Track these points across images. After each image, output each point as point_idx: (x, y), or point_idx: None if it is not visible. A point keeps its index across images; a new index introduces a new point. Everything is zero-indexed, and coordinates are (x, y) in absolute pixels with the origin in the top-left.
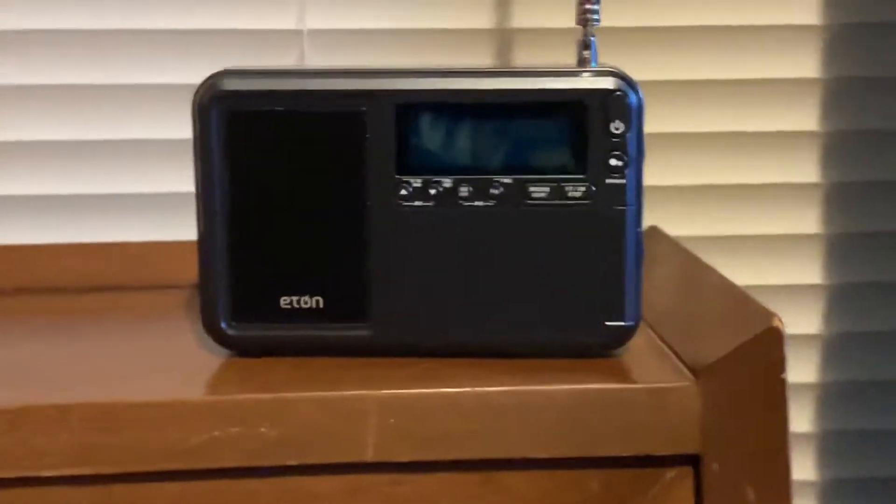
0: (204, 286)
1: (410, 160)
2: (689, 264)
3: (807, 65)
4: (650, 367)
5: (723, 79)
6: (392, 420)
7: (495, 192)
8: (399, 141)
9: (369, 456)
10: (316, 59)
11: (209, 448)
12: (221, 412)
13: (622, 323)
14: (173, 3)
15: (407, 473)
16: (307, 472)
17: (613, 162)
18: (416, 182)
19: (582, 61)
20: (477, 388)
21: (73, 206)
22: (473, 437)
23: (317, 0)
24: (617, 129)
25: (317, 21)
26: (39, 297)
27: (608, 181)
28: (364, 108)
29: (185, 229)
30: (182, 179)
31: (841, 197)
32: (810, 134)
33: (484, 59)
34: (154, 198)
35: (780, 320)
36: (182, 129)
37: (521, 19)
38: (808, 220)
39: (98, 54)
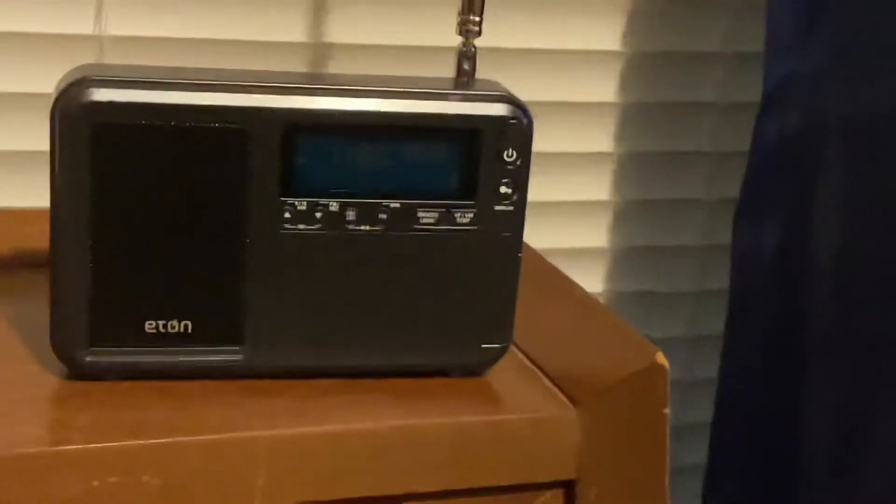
0: (57, 308)
1: (295, 182)
2: (556, 282)
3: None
4: (523, 392)
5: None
6: (280, 463)
7: (383, 216)
8: (284, 161)
9: (258, 502)
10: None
11: (87, 501)
12: (99, 461)
13: (496, 345)
14: None
15: None
16: None
17: (503, 189)
18: (301, 205)
19: (462, 73)
20: (361, 426)
21: None
22: (361, 475)
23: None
24: (509, 157)
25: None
26: None
27: (497, 208)
28: (247, 127)
29: None
30: None
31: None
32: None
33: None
34: None
35: (663, 356)
36: None
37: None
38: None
39: None
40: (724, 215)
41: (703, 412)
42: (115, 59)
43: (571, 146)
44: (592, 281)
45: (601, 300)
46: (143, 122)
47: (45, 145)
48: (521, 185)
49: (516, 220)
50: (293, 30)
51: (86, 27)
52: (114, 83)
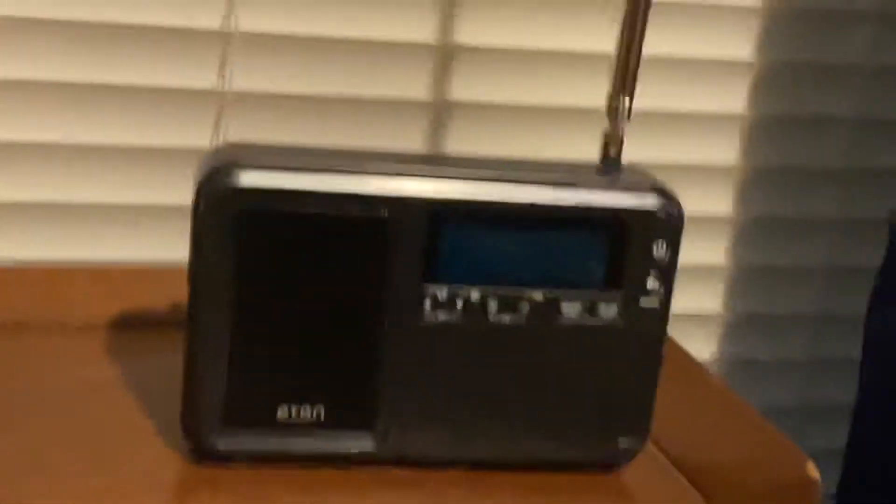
0: (190, 392)
1: (436, 270)
2: (694, 374)
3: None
4: (658, 491)
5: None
6: None
7: (524, 307)
8: (426, 250)
9: None
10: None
11: None
12: None
13: (633, 441)
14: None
15: None
16: None
17: (651, 284)
18: (442, 294)
19: (607, 159)
20: None
21: None
22: None
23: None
24: (658, 249)
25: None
26: None
27: (642, 303)
28: (392, 214)
29: (100, 247)
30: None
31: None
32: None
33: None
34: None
35: (813, 468)
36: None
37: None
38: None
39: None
40: (844, 282)
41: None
42: (238, 114)
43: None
44: (702, 346)
45: (713, 367)
46: (288, 209)
47: (169, 199)
48: (668, 280)
49: (661, 317)
50: (418, 86)
51: (208, 82)
52: (260, 168)
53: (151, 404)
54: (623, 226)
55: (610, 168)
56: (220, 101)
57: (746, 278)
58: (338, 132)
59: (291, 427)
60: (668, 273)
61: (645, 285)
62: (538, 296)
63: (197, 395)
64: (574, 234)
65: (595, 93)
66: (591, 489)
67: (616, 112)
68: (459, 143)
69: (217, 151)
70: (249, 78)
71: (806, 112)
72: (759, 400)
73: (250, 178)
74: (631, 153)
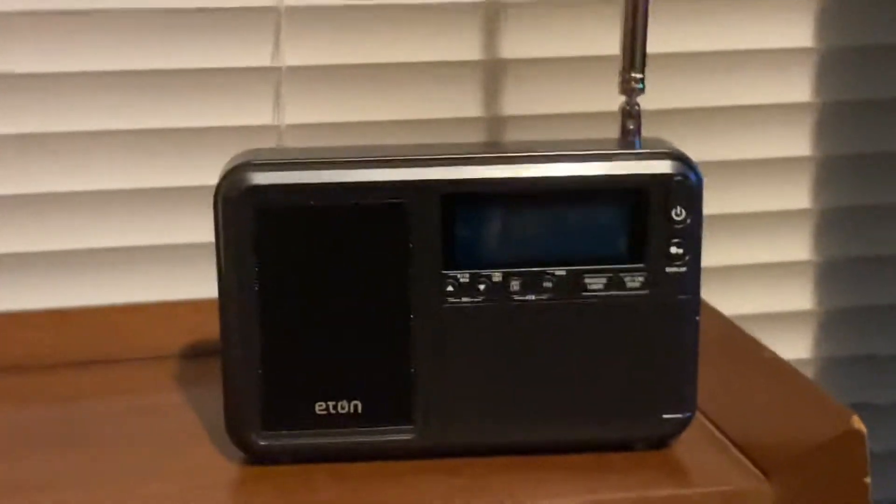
0: (230, 395)
1: (456, 254)
2: (743, 345)
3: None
4: (711, 464)
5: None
6: None
7: (548, 284)
8: (444, 234)
9: None
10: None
11: None
12: None
13: (679, 415)
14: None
15: None
16: None
17: (674, 250)
18: (464, 277)
19: (626, 132)
20: (543, 502)
21: (31, 265)
22: None
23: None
24: (678, 215)
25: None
26: None
27: (668, 270)
28: (406, 200)
29: (160, 288)
30: (154, 229)
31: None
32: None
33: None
34: (119, 252)
35: (859, 420)
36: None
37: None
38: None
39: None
40: None
41: None
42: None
43: (767, 204)
44: (797, 348)
45: (811, 368)
46: (303, 202)
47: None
48: (693, 245)
49: (691, 282)
50: (469, 105)
51: (265, 118)
52: (273, 166)
53: (207, 421)
54: (641, 193)
55: (627, 141)
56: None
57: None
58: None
59: (331, 422)
60: (692, 239)
61: (669, 252)
62: (561, 272)
63: (236, 397)
64: (592, 206)
65: None
66: (641, 466)
67: (630, 86)
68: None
69: (237, 155)
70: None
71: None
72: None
73: (264, 177)
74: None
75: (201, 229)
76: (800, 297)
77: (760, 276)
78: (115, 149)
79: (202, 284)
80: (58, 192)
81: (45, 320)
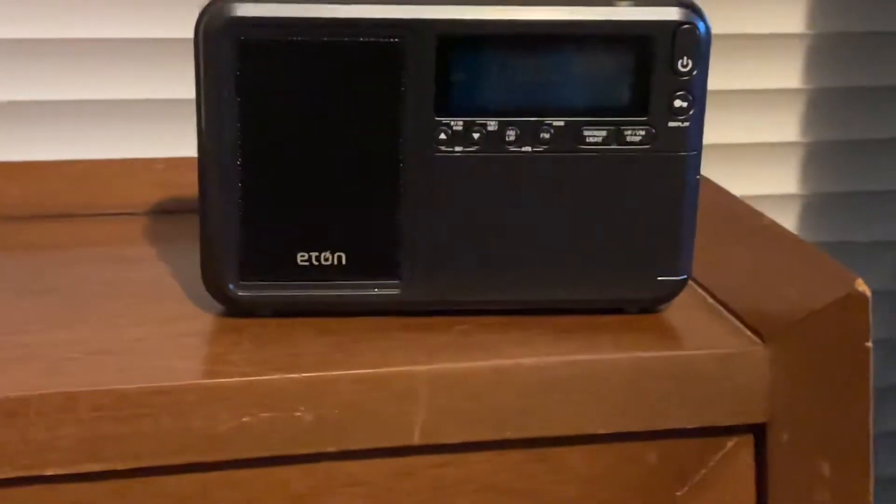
0: (207, 241)
1: (451, 99)
2: (740, 212)
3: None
4: (706, 328)
5: None
6: (441, 399)
7: (545, 135)
8: (438, 78)
9: (416, 439)
10: None
11: (239, 436)
12: (252, 395)
13: (674, 277)
14: None
15: (456, 454)
16: (346, 458)
17: (678, 103)
18: (457, 125)
19: None
20: (531, 360)
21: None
22: (528, 414)
23: None
24: (684, 66)
25: None
26: None
27: (671, 124)
28: (400, 40)
29: (137, 144)
30: (131, 82)
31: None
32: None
33: None
34: (100, 105)
35: (864, 284)
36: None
37: None
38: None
39: None
40: None
41: None
42: None
43: (758, 136)
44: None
45: None
46: (290, 38)
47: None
48: (698, 98)
49: (693, 138)
50: None
51: None
52: None
53: (183, 273)
54: (646, 41)
55: None
56: None
57: None
58: None
59: (313, 274)
60: (697, 92)
61: (672, 105)
62: (559, 123)
63: (213, 244)
64: (594, 55)
65: None
66: (633, 329)
67: None
68: None
69: None
70: None
71: None
72: None
73: (248, 8)
74: None
75: (179, 84)
76: None
77: None
78: None
79: (180, 143)
80: (31, 39)
81: (13, 171)
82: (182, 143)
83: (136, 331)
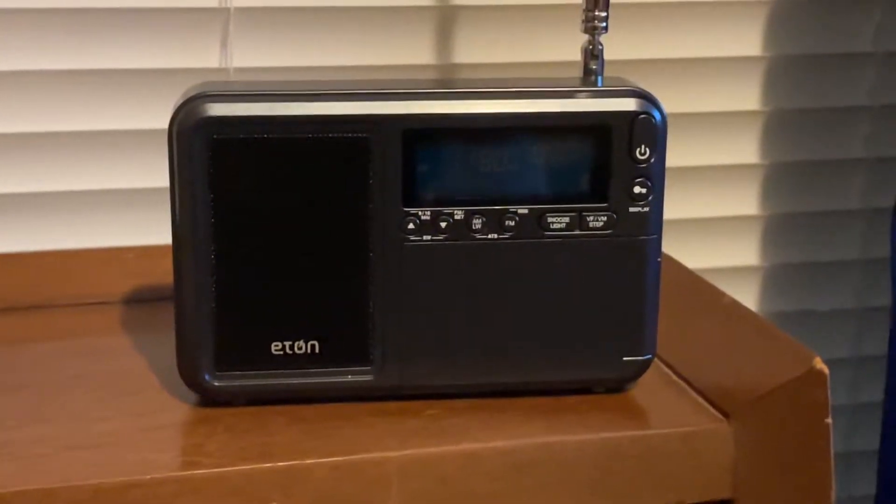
0: (183, 334)
1: (418, 191)
2: (701, 290)
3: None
4: (671, 406)
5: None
6: (412, 484)
7: (510, 223)
8: (405, 170)
9: None
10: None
11: None
12: (226, 486)
13: (640, 357)
14: None
15: None
16: None
17: (637, 189)
18: (425, 214)
19: (588, 72)
20: (500, 443)
21: None
22: (499, 497)
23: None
24: (642, 154)
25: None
26: None
27: (631, 209)
28: (367, 135)
29: (108, 234)
30: (101, 174)
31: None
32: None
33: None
34: (66, 196)
35: (821, 361)
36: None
37: None
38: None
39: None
40: (881, 226)
41: (872, 439)
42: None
43: (717, 159)
44: (745, 302)
45: None
46: (261, 135)
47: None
48: (656, 185)
49: (654, 222)
50: (419, 53)
51: (212, 60)
52: (230, 97)
53: (158, 363)
54: (604, 131)
55: (589, 79)
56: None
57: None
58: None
59: (287, 363)
60: (655, 178)
61: (632, 191)
62: (523, 210)
63: (188, 335)
64: (555, 144)
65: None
66: (600, 409)
67: (594, 24)
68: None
69: (192, 87)
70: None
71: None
72: None
73: (220, 108)
74: None
75: (149, 174)
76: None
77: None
78: (60, 90)
79: (152, 231)
80: (1, 134)
81: None
82: (153, 232)
83: (110, 424)
